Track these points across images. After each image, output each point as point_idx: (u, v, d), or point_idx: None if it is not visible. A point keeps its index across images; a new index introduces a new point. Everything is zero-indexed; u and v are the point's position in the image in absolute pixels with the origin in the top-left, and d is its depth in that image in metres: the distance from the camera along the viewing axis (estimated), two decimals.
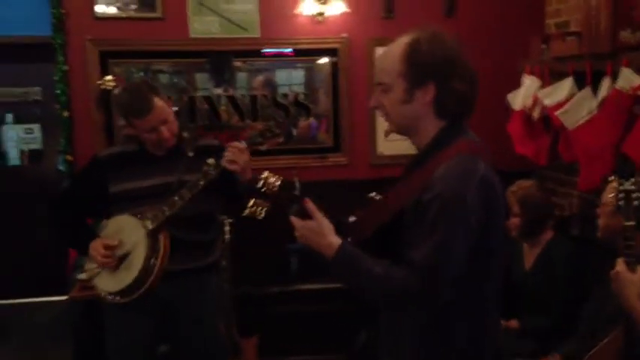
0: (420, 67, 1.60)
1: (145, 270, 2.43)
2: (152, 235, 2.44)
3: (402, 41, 1.64)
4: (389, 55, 1.66)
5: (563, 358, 2.69)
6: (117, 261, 2.49)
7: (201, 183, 2.41)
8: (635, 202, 2.12)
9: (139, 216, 2.47)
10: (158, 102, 2.47)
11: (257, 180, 1.78)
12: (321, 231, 1.65)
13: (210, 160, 2.42)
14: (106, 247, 2.47)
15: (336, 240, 1.64)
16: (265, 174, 1.78)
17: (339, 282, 1.70)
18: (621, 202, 2.13)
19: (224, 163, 2.38)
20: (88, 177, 2.67)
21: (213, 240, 2.72)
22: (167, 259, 2.46)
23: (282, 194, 1.74)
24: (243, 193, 2.45)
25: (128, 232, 2.49)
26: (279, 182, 1.75)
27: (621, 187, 2.12)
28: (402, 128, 1.70)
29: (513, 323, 2.95)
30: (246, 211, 1.88)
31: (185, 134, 2.66)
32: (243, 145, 2.41)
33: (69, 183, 2.84)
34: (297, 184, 1.76)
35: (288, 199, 1.73)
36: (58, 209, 2.68)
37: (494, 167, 1.64)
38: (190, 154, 2.56)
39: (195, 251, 2.61)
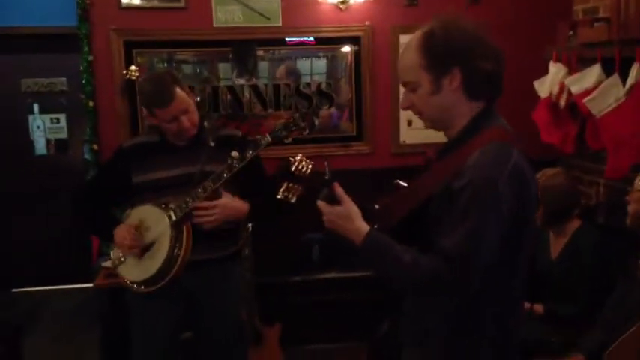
0: (439, 55, 1.59)
1: (169, 260, 2.46)
2: (176, 226, 2.47)
3: (417, 35, 1.64)
4: (407, 52, 1.66)
5: (587, 358, 2.66)
6: (142, 250, 2.52)
7: (225, 176, 2.42)
8: None
9: (162, 206, 2.50)
10: (179, 92, 2.49)
11: (290, 163, 1.78)
12: (350, 216, 1.65)
13: (234, 154, 2.43)
14: (130, 232, 2.50)
15: (364, 226, 1.64)
16: (299, 157, 1.78)
17: (366, 268, 1.70)
18: None
19: (195, 221, 2.45)
20: (112, 167, 2.70)
21: (235, 230, 2.72)
22: (190, 250, 2.49)
23: (313, 178, 1.73)
24: (272, 183, 2.47)
25: (152, 222, 2.51)
26: (310, 166, 1.75)
27: None
28: (437, 122, 1.69)
29: (538, 307, 2.91)
30: (279, 195, 1.89)
31: (206, 124, 2.67)
32: (211, 204, 2.45)
33: (95, 174, 2.86)
34: (328, 169, 1.77)
35: (319, 184, 1.72)
36: (83, 199, 2.71)
37: (526, 155, 1.62)
38: (212, 144, 2.56)
39: (217, 241, 2.62)
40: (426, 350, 1.72)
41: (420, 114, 1.69)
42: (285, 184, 1.88)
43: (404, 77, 1.67)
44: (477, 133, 1.60)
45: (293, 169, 1.78)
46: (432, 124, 1.70)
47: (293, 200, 1.91)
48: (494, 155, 1.53)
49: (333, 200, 1.67)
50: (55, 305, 4.81)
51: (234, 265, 2.77)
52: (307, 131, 2.46)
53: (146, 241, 2.52)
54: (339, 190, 1.67)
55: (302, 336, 3.84)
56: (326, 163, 1.80)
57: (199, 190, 2.44)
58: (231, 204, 2.52)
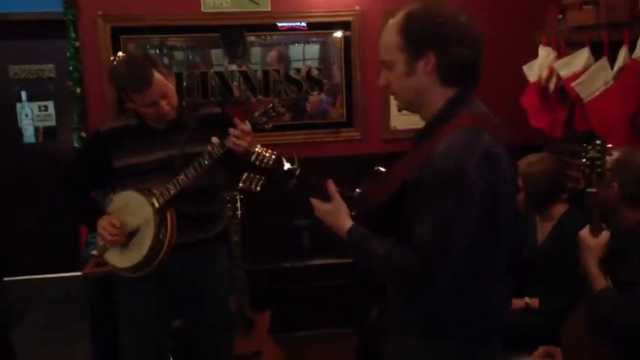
0: (416, 38, 1.59)
1: (155, 247, 2.47)
2: (160, 212, 2.46)
3: (398, 16, 1.64)
4: (387, 31, 1.66)
5: (541, 305, 2.83)
6: (126, 238, 2.51)
7: (206, 162, 2.41)
8: (598, 170, 2.20)
9: (145, 192, 2.48)
10: (157, 76, 2.45)
11: (250, 154, 1.81)
12: (336, 214, 1.73)
13: (215, 139, 2.41)
14: (113, 225, 2.49)
15: (348, 223, 1.70)
16: (258, 149, 1.81)
17: (354, 261, 1.77)
18: (587, 170, 2.21)
19: (229, 144, 2.37)
20: (91, 152, 2.68)
21: (217, 212, 2.74)
22: (175, 235, 2.49)
23: (277, 169, 1.77)
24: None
25: (135, 209, 2.51)
26: (273, 156, 1.78)
27: (587, 155, 2.20)
28: (409, 104, 1.70)
29: (534, 302, 2.91)
30: (240, 184, 1.90)
31: (184, 104, 2.65)
32: (248, 127, 2.39)
33: (74, 159, 2.84)
34: (296, 160, 1.79)
35: (284, 174, 1.77)
36: (68, 181, 2.70)
37: (506, 139, 1.62)
38: (192, 125, 2.55)
39: (200, 224, 2.63)
40: (409, 337, 1.73)
41: (394, 94, 1.70)
42: (245, 174, 1.90)
43: (382, 55, 1.68)
44: (450, 118, 1.60)
45: (252, 159, 1.81)
46: (405, 105, 1.71)
47: (257, 189, 1.93)
48: (463, 140, 1.53)
49: (307, 189, 1.76)
50: (44, 294, 4.81)
51: (219, 248, 2.78)
52: (288, 116, 2.45)
53: (130, 229, 2.52)
54: (330, 188, 1.74)
55: (292, 323, 3.85)
56: (294, 152, 1.85)
57: (181, 177, 2.43)
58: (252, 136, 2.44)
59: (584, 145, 2.27)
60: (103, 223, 2.51)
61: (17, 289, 4.85)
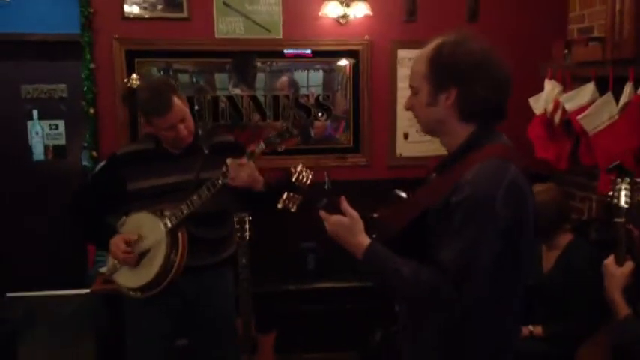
0: (442, 71, 1.62)
1: (165, 267, 2.50)
2: (172, 233, 2.50)
3: (431, 44, 1.67)
4: (418, 58, 1.69)
5: (545, 332, 2.86)
6: (137, 257, 2.55)
7: (220, 183, 2.46)
8: (625, 199, 2.25)
9: (158, 214, 2.52)
10: (177, 101, 2.52)
11: (291, 173, 1.82)
12: (353, 229, 1.68)
13: (229, 161, 2.46)
14: (127, 243, 2.53)
15: (366, 239, 1.67)
16: (299, 167, 1.82)
17: (368, 280, 1.74)
18: (615, 201, 2.26)
19: (228, 182, 2.43)
20: (106, 174, 2.73)
21: (227, 236, 2.78)
22: (186, 256, 2.52)
23: (313, 188, 1.78)
24: (271, 190, 2.50)
25: (148, 229, 2.54)
26: (310, 176, 1.80)
27: (616, 187, 2.26)
28: (429, 130, 1.75)
29: (538, 329, 2.94)
30: (280, 204, 1.93)
31: (200, 132, 2.71)
32: (244, 160, 2.45)
33: (88, 180, 2.87)
34: (328, 180, 1.81)
35: (319, 194, 1.77)
36: (78, 205, 2.73)
37: (525, 172, 1.65)
38: (206, 151, 2.60)
39: (211, 247, 2.67)
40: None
41: (416, 118, 1.75)
42: (285, 194, 1.93)
43: (410, 80, 1.72)
44: (476, 149, 1.62)
45: (294, 179, 1.83)
46: (425, 129, 1.76)
47: (293, 209, 1.95)
48: (492, 171, 1.56)
49: (333, 209, 1.71)
50: (51, 311, 4.80)
51: (228, 271, 2.81)
52: (299, 139, 2.50)
53: (142, 249, 2.55)
54: (344, 204, 1.71)
55: (296, 344, 3.86)
56: (326, 174, 1.84)
57: (194, 198, 2.48)
58: (255, 171, 2.50)
59: (615, 178, 2.32)
60: (116, 241, 2.55)
61: (24, 306, 4.85)
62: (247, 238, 3.36)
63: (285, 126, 2.52)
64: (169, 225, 2.50)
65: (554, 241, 3.01)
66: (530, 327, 2.94)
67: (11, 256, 4.89)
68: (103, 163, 2.77)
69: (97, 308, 3.64)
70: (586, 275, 2.86)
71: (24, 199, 5.00)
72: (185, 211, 2.49)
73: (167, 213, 2.51)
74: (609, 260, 2.28)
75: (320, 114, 4.11)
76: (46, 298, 4.97)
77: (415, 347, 1.77)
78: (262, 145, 2.46)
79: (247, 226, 3.35)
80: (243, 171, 2.43)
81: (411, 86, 1.72)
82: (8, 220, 4.98)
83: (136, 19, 3.90)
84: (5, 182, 4.97)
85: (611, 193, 2.30)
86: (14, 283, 4.93)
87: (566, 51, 3.59)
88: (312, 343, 3.94)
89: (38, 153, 5.05)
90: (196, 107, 3.96)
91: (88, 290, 3.63)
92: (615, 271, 2.25)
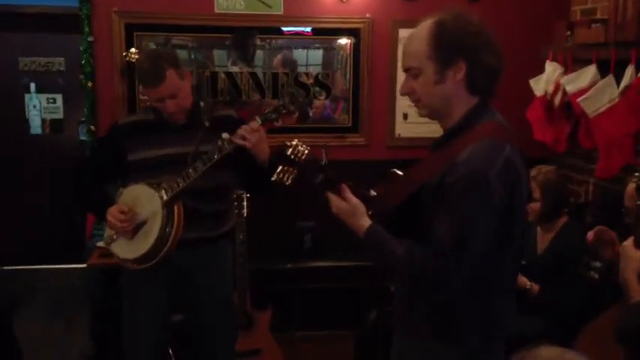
0: (448, 46, 1.61)
1: (161, 239, 2.49)
2: (167, 205, 2.49)
3: (427, 23, 1.66)
4: (415, 38, 1.67)
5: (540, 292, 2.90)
6: (134, 229, 2.55)
7: (216, 157, 2.44)
8: None
9: (154, 186, 2.52)
10: (171, 75, 2.50)
11: (286, 147, 1.83)
12: (354, 213, 1.73)
13: (225, 135, 2.44)
14: (122, 213, 2.53)
15: (366, 222, 1.71)
16: (295, 142, 1.83)
17: (367, 259, 1.81)
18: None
19: (237, 139, 2.41)
20: (107, 144, 2.73)
21: (225, 210, 2.78)
22: (182, 229, 2.52)
23: (309, 163, 1.79)
24: (268, 165, 2.49)
25: (144, 201, 2.54)
26: (307, 151, 1.80)
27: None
28: (434, 112, 1.72)
29: (535, 287, 2.96)
30: (274, 177, 1.92)
31: (202, 104, 2.69)
32: (256, 125, 2.43)
33: (91, 150, 2.87)
34: (325, 156, 1.82)
35: (315, 169, 1.78)
36: (80, 174, 2.75)
37: (520, 151, 1.65)
38: (207, 124, 2.59)
39: (208, 221, 2.67)
40: (414, 339, 1.77)
41: (417, 101, 1.72)
42: (280, 167, 1.93)
43: (408, 63, 1.69)
44: (471, 128, 1.63)
45: (289, 152, 1.83)
46: (429, 112, 1.73)
47: (288, 182, 1.95)
48: (486, 149, 1.57)
49: (330, 185, 1.75)
50: (48, 284, 4.83)
51: (225, 245, 2.82)
52: (296, 114, 2.49)
53: (138, 220, 2.55)
54: (346, 193, 1.74)
55: (292, 322, 3.89)
56: (323, 150, 1.85)
57: (190, 171, 2.47)
58: (265, 139, 2.50)
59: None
60: (113, 211, 2.54)
61: (21, 279, 4.87)
62: (245, 215, 3.39)
63: (282, 102, 2.50)
64: (165, 197, 2.49)
65: (551, 224, 3.02)
66: (528, 284, 2.95)
67: (8, 229, 4.89)
68: (105, 133, 2.76)
69: (93, 282, 3.65)
70: (579, 256, 2.87)
71: (21, 172, 4.99)
72: (181, 184, 2.48)
73: (164, 185, 2.51)
74: (628, 242, 2.27)
75: (319, 93, 4.09)
76: (43, 271, 4.99)
77: (407, 326, 1.79)
78: (258, 120, 2.44)
79: (245, 203, 3.37)
80: (253, 134, 2.41)
81: (409, 68, 1.69)
82: (5, 193, 4.98)
83: None
84: (2, 156, 4.95)
85: (637, 174, 2.29)
86: (11, 256, 4.94)
87: (568, 32, 3.56)
88: (308, 322, 3.97)
89: (35, 126, 5.05)
90: (194, 82, 3.94)
91: (84, 265, 3.64)
92: (634, 254, 2.24)
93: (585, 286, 2.79)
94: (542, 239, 3.07)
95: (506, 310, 1.76)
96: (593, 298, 2.75)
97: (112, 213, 2.54)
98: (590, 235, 2.51)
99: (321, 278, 3.94)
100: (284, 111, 2.46)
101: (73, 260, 4.64)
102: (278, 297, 3.75)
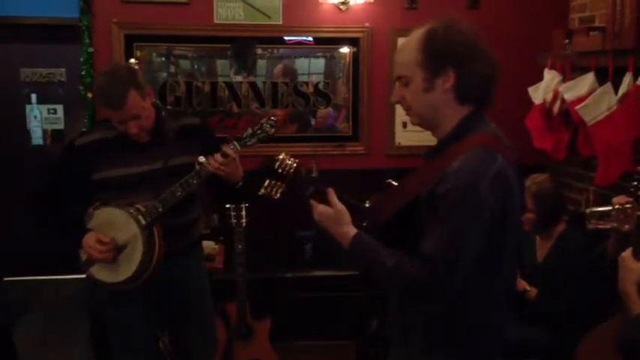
0: (437, 55, 1.60)
1: (144, 262, 2.44)
2: (147, 228, 2.44)
3: (418, 32, 1.65)
4: (405, 47, 1.67)
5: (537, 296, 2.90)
6: (114, 255, 2.46)
7: (194, 182, 2.42)
8: None
9: (130, 211, 2.44)
10: (133, 96, 2.38)
11: (274, 161, 1.82)
12: (339, 220, 1.69)
13: (202, 159, 2.41)
14: (100, 243, 2.43)
15: (351, 230, 1.68)
16: (282, 155, 1.81)
17: (354, 269, 1.77)
18: (638, 193, 2.20)
19: (211, 166, 2.38)
20: (66, 165, 2.57)
21: (195, 219, 2.74)
22: (163, 248, 2.47)
23: (298, 176, 1.78)
24: (243, 183, 2.50)
25: (121, 225, 2.45)
26: (295, 164, 1.79)
27: (636, 176, 2.19)
28: (424, 120, 1.70)
29: (533, 291, 2.95)
30: (262, 191, 1.91)
31: (164, 114, 2.60)
32: (232, 152, 2.38)
33: (49, 174, 2.64)
34: (314, 168, 1.80)
35: (304, 182, 1.77)
36: (41, 199, 2.60)
37: (516, 160, 1.64)
38: (172, 136, 2.55)
39: (181, 233, 2.63)
40: (409, 350, 1.74)
41: (408, 109, 1.70)
42: (267, 181, 1.91)
43: (398, 71, 1.69)
44: (462, 138, 1.61)
45: (276, 166, 1.81)
46: (419, 121, 1.71)
47: (277, 196, 1.94)
48: (477, 160, 1.55)
49: (321, 197, 1.71)
50: (47, 295, 4.82)
51: (199, 250, 2.83)
52: (274, 132, 2.43)
53: (117, 245, 2.46)
54: (331, 196, 1.71)
55: (291, 332, 3.88)
56: (313, 162, 1.84)
57: (169, 197, 2.43)
58: (238, 165, 2.47)
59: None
60: (90, 242, 2.43)
61: (20, 290, 4.87)
62: (244, 225, 3.39)
63: (259, 124, 2.43)
64: (143, 222, 2.43)
65: (549, 232, 3.02)
66: (528, 288, 2.95)
67: (8, 240, 4.89)
68: (61, 155, 2.59)
69: (92, 293, 3.63)
70: (577, 262, 2.87)
71: (21, 183, 4.99)
72: (160, 209, 2.43)
73: (141, 209, 2.44)
74: (627, 254, 2.22)
75: (319, 102, 4.09)
76: (42, 282, 4.98)
77: (402, 337, 1.77)
78: (236, 144, 2.40)
79: (244, 213, 3.38)
80: (229, 166, 2.39)
81: (399, 77, 1.69)
82: (5, 204, 4.98)
83: (135, 3, 3.88)
84: (3, 166, 4.96)
85: (635, 184, 2.27)
86: (11, 267, 4.94)
87: (567, 40, 3.57)
88: (308, 331, 3.96)
89: (36, 137, 5.05)
90: (194, 93, 3.94)
91: (83, 275, 3.62)
92: (633, 265, 2.19)
93: (585, 293, 2.79)
94: (542, 247, 3.06)
95: (503, 322, 1.73)
96: (594, 304, 2.74)
97: (91, 244, 2.43)
98: (617, 200, 2.43)
99: (322, 288, 3.94)
100: (262, 135, 2.41)
101: (72, 271, 4.63)
102: (278, 306, 3.74)
